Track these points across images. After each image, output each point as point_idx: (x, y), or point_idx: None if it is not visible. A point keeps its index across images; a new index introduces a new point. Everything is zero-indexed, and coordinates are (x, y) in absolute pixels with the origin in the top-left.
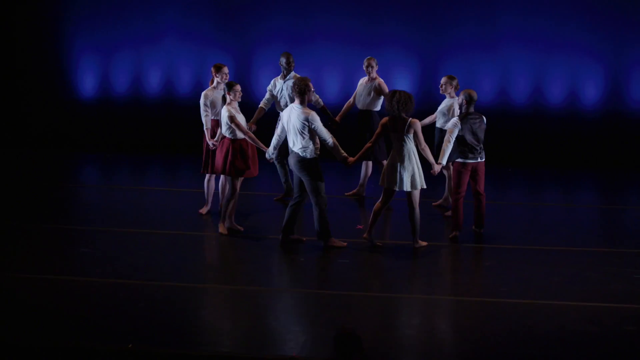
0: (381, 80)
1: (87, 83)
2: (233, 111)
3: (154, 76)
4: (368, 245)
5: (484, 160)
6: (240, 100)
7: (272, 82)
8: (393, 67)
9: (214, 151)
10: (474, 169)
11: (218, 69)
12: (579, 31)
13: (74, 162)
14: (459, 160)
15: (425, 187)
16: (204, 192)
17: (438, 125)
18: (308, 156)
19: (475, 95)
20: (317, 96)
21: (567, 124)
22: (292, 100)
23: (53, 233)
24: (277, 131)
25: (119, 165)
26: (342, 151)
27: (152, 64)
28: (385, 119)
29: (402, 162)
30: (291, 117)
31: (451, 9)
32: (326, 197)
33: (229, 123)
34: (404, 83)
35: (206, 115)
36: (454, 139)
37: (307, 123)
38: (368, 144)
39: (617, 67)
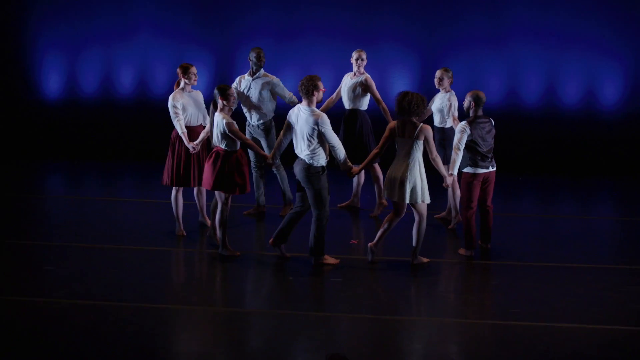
0: (368, 76)
1: (52, 83)
2: (229, 118)
3: (126, 75)
4: (368, 261)
5: (495, 169)
6: (235, 107)
7: (237, 79)
8: (390, 64)
9: (186, 161)
10: (485, 179)
11: (185, 70)
12: (596, 25)
13: (36, 171)
14: (468, 170)
15: (428, 201)
16: (172, 209)
17: (436, 124)
18: (316, 164)
19: (483, 96)
20: (291, 93)
21: (584, 128)
22: (260, 100)
23: (14, 249)
24: (281, 135)
25: (87, 174)
26: (348, 160)
27: (124, 62)
28: (393, 123)
29: (404, 170)
30: (299, 120)
31: (454, 0)
32: (329, 211)
33: (227, 132)
34: (401, 82)
35: (178, 120)
36: (463, 145)
37: (316, 127)
38: (375, 150)
39: (638, 64)
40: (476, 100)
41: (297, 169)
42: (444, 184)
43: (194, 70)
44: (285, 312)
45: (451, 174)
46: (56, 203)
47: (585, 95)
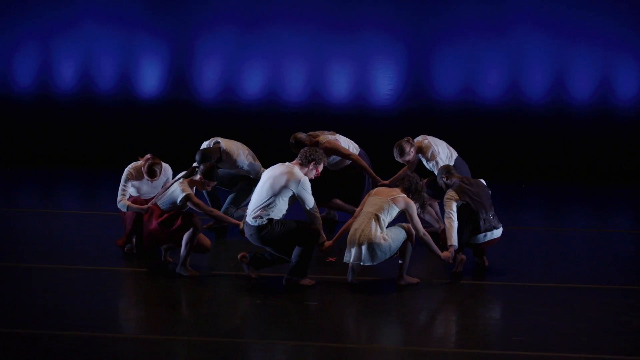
0: (326, 142)
1: None
2: (190, 189)
3: (66, 69)
4: (347, 281)
5: (500, 234)
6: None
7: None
8: (374, 56)
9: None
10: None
11: (151, 174)
12: (609, 12)
13: None
14: (472, 242)
15: (372, 263)
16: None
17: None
18: (265, 222)
19: (450, 166)
20: (259, 166)
21: (596, 128)
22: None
23: None
24: (250, 196)
25: (24, 182)
26: (323, 234)
27: (64, 54)
28: (374, 190)
29: (361, 229)
30: (273, 171)
31: None
32: (319, 228)
33: (185, 204)
34: (387, 75)
35: (122, 199)
36: (454, 214)
37: (291, 188)
38: (355, 216)
39: None
40: (446, 172)
41: (248, 235)
42: (444, 260)
43: (155, 180)
44: (251, 341)
45: (451, 245)
46: None
47: (597, 91)
